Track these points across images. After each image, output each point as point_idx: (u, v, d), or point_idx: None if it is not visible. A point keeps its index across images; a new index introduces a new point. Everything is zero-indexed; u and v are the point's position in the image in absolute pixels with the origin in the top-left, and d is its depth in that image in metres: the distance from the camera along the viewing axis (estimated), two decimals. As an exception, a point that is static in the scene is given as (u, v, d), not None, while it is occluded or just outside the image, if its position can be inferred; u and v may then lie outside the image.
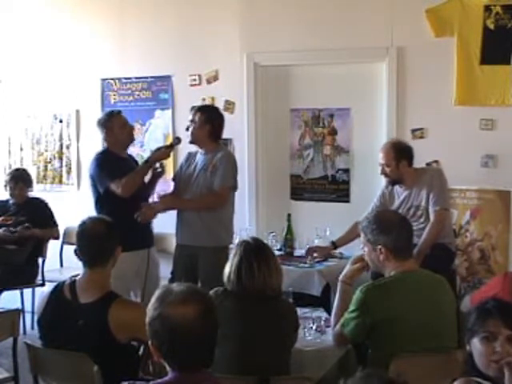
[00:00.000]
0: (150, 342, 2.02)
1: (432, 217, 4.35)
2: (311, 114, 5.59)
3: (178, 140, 4.82)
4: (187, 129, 4.57)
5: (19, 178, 5.69)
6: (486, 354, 2.18)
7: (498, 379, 2.18)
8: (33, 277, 5.64)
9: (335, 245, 4.75)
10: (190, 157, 4.66)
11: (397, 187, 4.56)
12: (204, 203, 4.49)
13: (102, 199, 4.58)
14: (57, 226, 5.73)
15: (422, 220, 4.40)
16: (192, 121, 4.54)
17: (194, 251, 4.48)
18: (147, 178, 4.80)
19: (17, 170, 5.95)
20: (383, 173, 4.52)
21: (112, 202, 4.48)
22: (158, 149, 4.71)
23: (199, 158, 4.58)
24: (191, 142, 4.60)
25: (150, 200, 4.79)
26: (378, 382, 1.64)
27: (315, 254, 4.80)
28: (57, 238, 5.81)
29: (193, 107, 4.64)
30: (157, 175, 4.80)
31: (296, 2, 5.44)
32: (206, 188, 4.46)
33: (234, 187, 4.55)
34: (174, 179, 4.75)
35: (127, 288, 4.48)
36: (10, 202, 5.71)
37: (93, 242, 2.97)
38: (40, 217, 5.64)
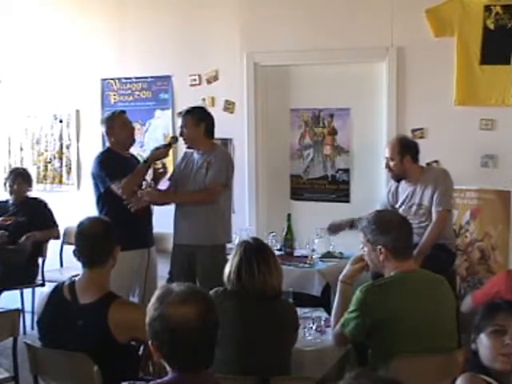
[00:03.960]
0: (150, 342, 2.01)
1: (434, 217, 4.35)
2: (311, 114, 5.58)
3: (175, 139, 4.86)
4: (181, 134, 4.60)
5: (18, 174, 5.71)
6: (495, 347, 2.20)
7: (503, 373, 2.19)
8: (33, 277, 5.64)
9: (353, 222, 4.51)
10: (186, 156, 4.68)
11: (402, 184, 4.56)
12: (194, 198, 4.50)
13: (103, 198, 4.61)
14: (57, 226, 5.73)
15: (423, 219, 4.41)
16: (184, 126, 4.55)
17: (191, 250, 4.50)
18: (149, 178, 4.81)
19: (16, 168, 5.98)
20: (387, 167, 4.53)
21: (113, 200, 4.52)
22: (157, 148, 4.72)
23: (196, 157, 4.59)
24: (189, 147, 4.62)
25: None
26: (367, 381, 1.63)
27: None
28: (57, 237, 5.81)
29: (179, 113, 4.66)
30: (159, 175, 4.82)
31: (296, 2, 5.44)
32: (200, 185, 4.49)
33: (226, 184, 4.55)
34: (169, 179, 4.77)
35: (127, 287, 4.49)
36: (10, 202, 5.71)
37: (91, 243, 2.96)
38: (40, 217, 5.64)
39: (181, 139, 4.69)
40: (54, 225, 5.72)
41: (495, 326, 2.22)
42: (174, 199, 4.59)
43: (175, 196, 4.59)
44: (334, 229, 4.75)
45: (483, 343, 2.23)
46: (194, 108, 4.69)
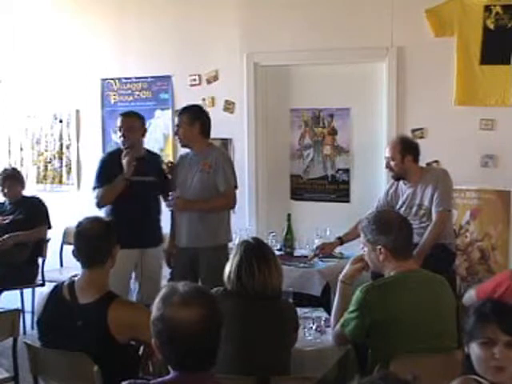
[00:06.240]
0: (152, 340, 2.01)
1: (434, 217, 4.35)
2: (311, 114, 5.59)
3: (171, 165, 4.80)
4: (176, 133, 4.60)
5: (6, 177, 5.63)
6: (485, 359, 2.18)
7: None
8: (33, 277, 5.63)
9: (342, 240, 4.71)
10: (182, 159, 4.68)
11: (401, 185, 4.56)
12: (216, 205, 4.51)
13: None
14: (46, 225, 5.64)
15: (424, 219, 4.40)
16: (179, 124, 4.55)
17: (194, 252, 4.51)
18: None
19: (5, 169, 5.85)
20: (388, 166, 4.53)
21: None
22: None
23: (192, 158, 4.59)
24: (183, 146, 4.62)
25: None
26: (393, 383, 1.63)
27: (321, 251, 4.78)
28: (43, 237, 5.65)
29: (176, 111, 4.66)
30: (169, 170, 4.77)
31: (296, 2, 5.44)
32: (204, 188, 4.48)
33: (236, 185, 4.60)
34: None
35: (124, 285, 4.49)
36: (7, 202, 5.70)
37: (90, 243, 2.95)
38: (35, 215, 5.61)
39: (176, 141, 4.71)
40: (44, 224, 5.62)
41: (485, 339, 2.20)
42: (197, 207, 4.51)
43: (198, 204, 4.51)
44: (322, 250, 4.76)
45: (475, 352, 2.22)
46: (189, 106, 4.68)
